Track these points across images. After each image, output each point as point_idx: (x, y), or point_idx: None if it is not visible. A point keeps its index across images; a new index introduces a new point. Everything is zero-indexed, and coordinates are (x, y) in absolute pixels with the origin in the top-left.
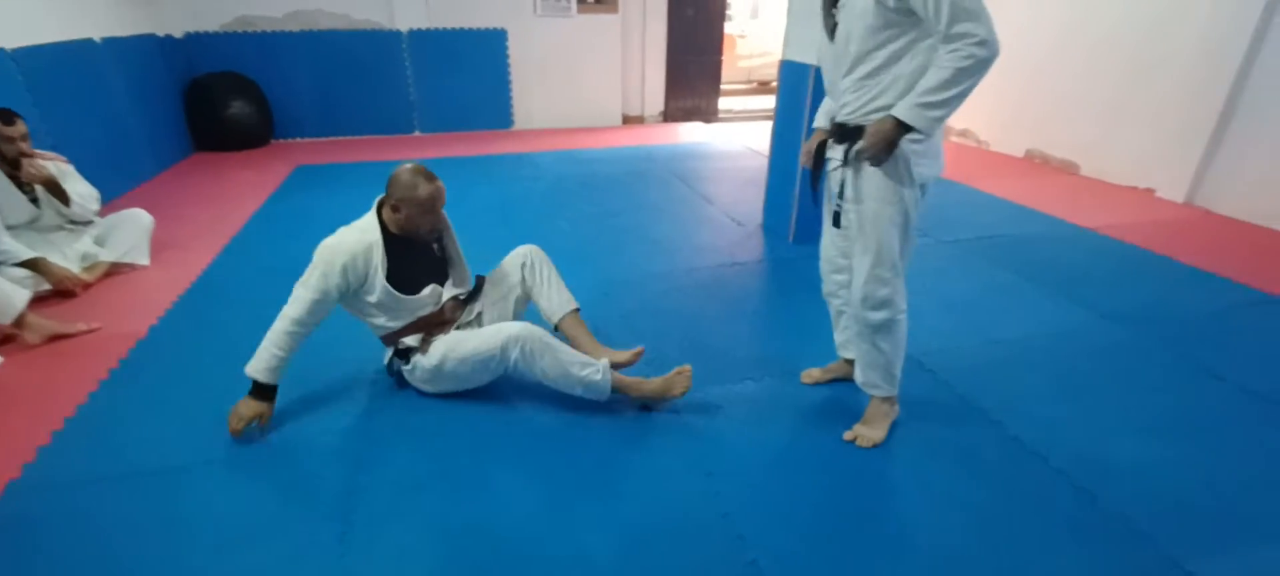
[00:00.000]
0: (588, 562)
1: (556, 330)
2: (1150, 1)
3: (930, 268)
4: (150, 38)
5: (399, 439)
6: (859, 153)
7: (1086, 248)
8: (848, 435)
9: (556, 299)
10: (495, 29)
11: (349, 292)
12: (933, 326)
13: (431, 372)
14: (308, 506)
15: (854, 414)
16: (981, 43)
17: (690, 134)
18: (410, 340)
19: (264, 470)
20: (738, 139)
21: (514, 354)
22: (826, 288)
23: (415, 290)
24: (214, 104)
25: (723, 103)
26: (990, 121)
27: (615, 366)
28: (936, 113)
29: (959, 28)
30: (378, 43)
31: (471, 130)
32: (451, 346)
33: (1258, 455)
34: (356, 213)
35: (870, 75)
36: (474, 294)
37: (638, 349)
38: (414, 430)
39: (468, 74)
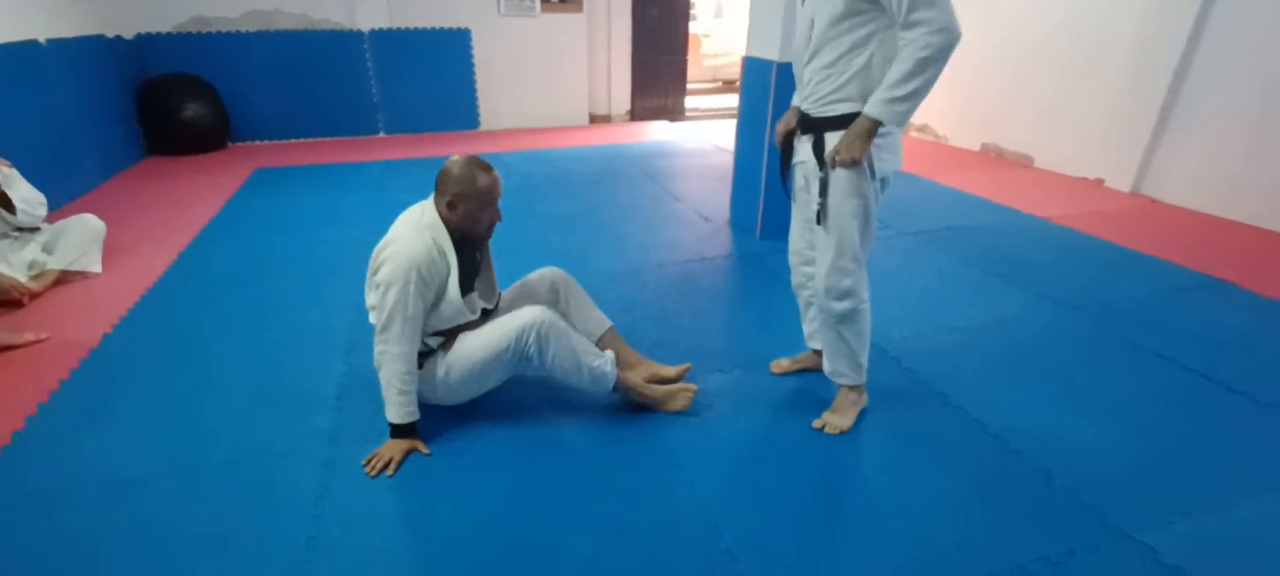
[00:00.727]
0: (564, 558)
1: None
2: (1092, 1)
3: (892, 259)
4: (99, 39)
5: (370, 439)
6: (837, 160)
7: (1039, 237)
8: (816, 423)
9: (593, 320)
10: (459, 29)
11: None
12: (895, 315)
13: (442, 381)
14: (274, 510)
15: (823, 402)
16: (939, 29)
17: (657, 132)
18: (431, 341)
19: (227, 477)
20: (704, 137)
21: (529, 340)
22: (795, 279)
23: (466, 294)
24: (167, 106)
25: (689, 101)
26: (948, 117)
27: (662, 381)
28: (904, 106)
29: (917, 15)
30: (338, 43)
31: (437, 131)
32: (455, 351)
33: (1197, 428)
34: (320, 214)
35: (833, 63)
36: (495, 308)
37: (685, 365)
38: (385, 430)
39: (432, 74)
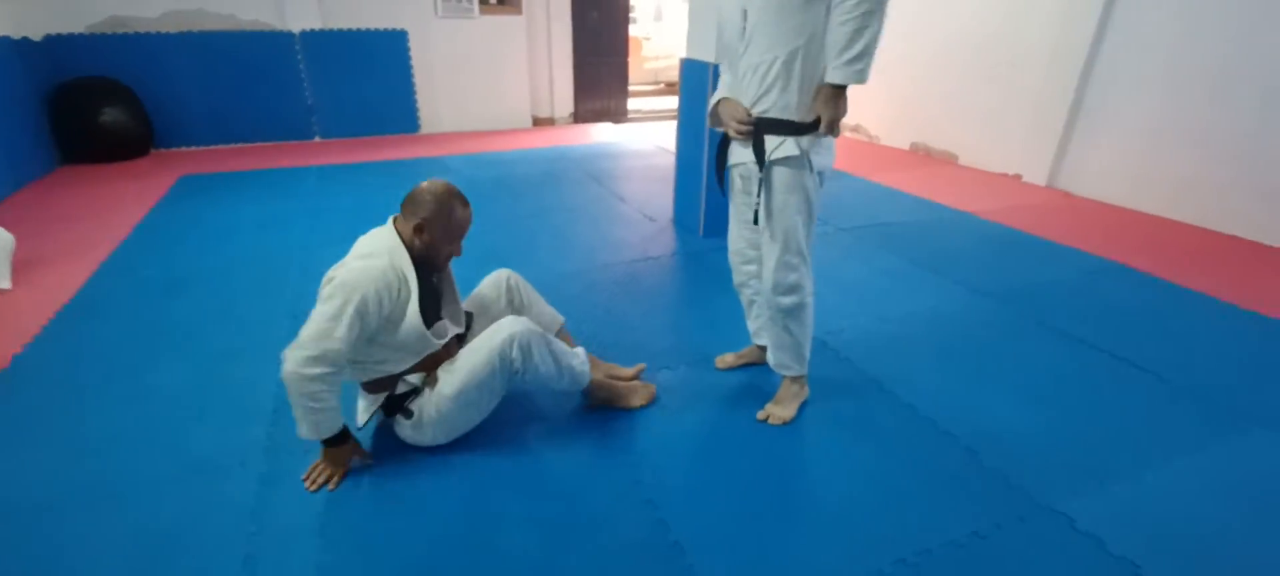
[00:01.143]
0: (513, 562)
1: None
2: (1006, 8)
3: (829, 254)
4: (4, 40)
5: (310, 450)
6: (829, 127)
7: (965, 230)
8: (760, 415)
9: (546, 316)
10: (395, 30)
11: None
12: (833, 308)
13: (428, 422)
14: (208, 529)
15: (766, 395)
16: None
17: (601, 134)
18: (413, 379)
19: (156, 496)
20: (647, 138)
21: (513, 354)
22: (737, 278)
23: (430, 325)
24: (83, 112)
25: (631, 103)
26: (879, 118)
27: (619, 380)
28: (861, 63)
29: None
30: (268, 44)
31: (376, 134)
32: (440, 388)
33: (1110, 405)
34: (253, 221)
35: (770, 63)
36: (467, 330)
37: (639, 366)
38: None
39: (369, 77)
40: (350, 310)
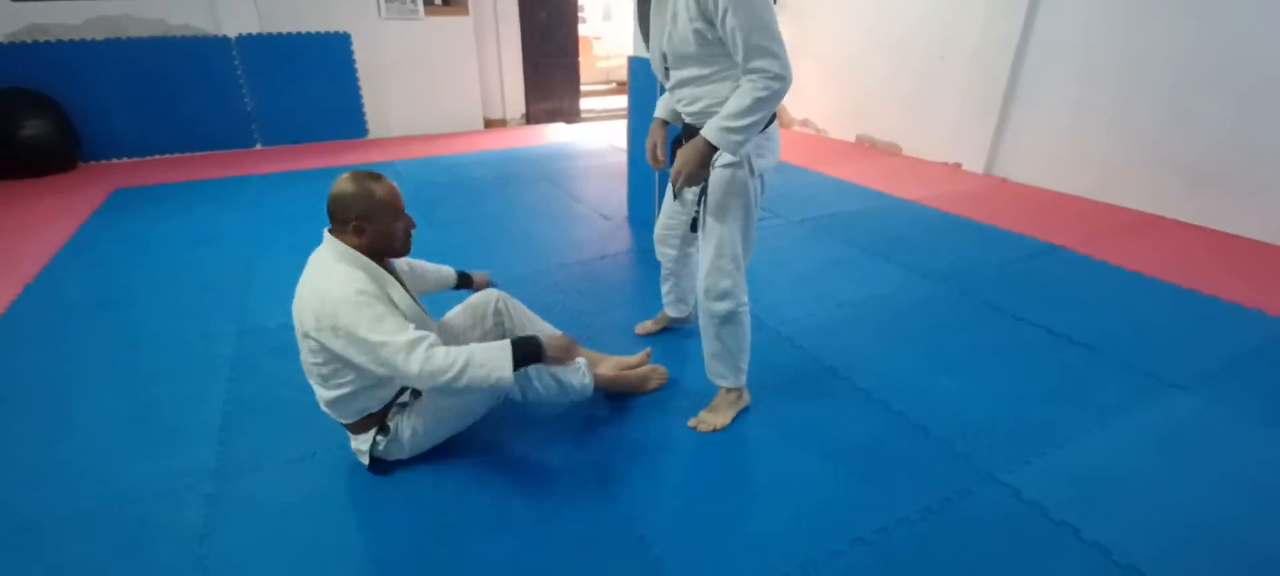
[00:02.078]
0: (478, 566)
1: None
2: (940, 3)
3: (781, 244)
4: None
5: (260, 468)
6: (678, 186)
7: (907, 217)
8: (691, 421)
9: (546, 332)
10: (337, 33)
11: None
12: (786, 297)
13: (405, 440)
14: (152, 558)
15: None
16: (776, 77)
17: (554, 135)
18: (405, 398)
19: (94, 528)
20: (601, 137)
21: (510, 392)
22: (659, 255)
23: None
24: (2, 125)
25: (584, 103)
26: (825, 111)
27: (629, 370)
28: (738, 137)
29: (755, 64)
30: (202, 50)
31: (321, 140)
32: (424, 403)
33: (1046, 377)
34: (192, 234)
35: (687, 83)
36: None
37: (645, 351)
38: (279, 456)
39: (311, 81)
40: (378, 307)
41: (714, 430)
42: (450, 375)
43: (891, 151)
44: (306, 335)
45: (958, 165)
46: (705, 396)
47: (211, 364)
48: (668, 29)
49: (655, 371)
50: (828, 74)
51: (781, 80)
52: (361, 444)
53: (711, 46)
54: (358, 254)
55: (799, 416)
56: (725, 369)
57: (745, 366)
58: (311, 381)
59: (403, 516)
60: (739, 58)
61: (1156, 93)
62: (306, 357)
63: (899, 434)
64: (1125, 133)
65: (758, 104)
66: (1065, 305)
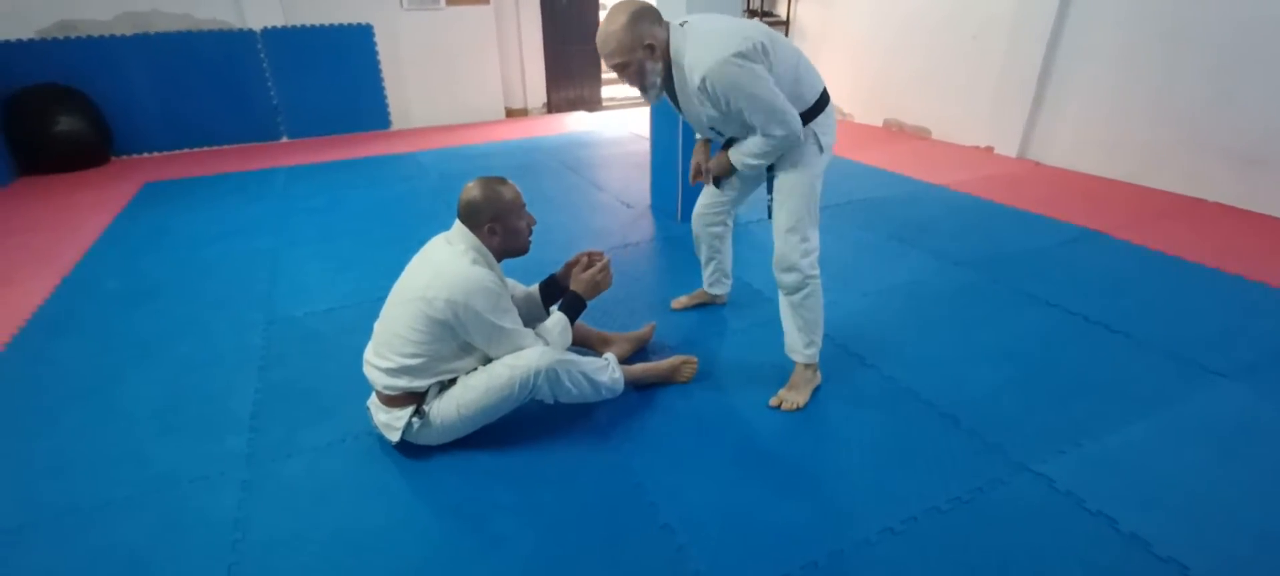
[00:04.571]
0: (505, 552)
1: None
2: None
3: None
4: None
5: (291, 454)
6: (707, 173)
7: (937, 202)
8: (773, 400)
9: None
10: (360, 24)
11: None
12: None
13: (436, 428)
14: (189, 540)
15: (746, 377)
16: (785, 137)
17: (576, 123)
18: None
19: (134, 511)
20: (622, 125)
21: (537, 384)
22: (696, 230)
23: None
24: (37, 121)
25: (605, 91)
26: (853, 96)
27: (641, 344)
28: (754, 163)
29: (770, 131)
30: (228, 44)
31: (346, 133)
32: (458, 391)
33: (1082, 366)
34: (222, 227)
35: (730, 139)
36: None
37: (650, 324)
38: (308, 443)
39: (335, 73)
40: (505, 301)
41: (796, 408)
42: (551, 350)
43: (920, 135)
44: (423, 299)
45: (990, 149)
46: (734, 378)
47: (242, 353)
48: (695, 111)
49: (687, 362)
50: (854, 57)
51: (790, 138)
52: (394, 420)
53: (735, 117)
54: (489, 253)
55: (826, 405)
56: (799, 342)
57: (819, 342)
58: (388, 342)
59: (430, 504)
60: (757, 126)
61: (1202, 70)
62: (405, 318)
63: (929, 423)
64: (1168, 113)
65: (772, 150)
66: (1102, 292)
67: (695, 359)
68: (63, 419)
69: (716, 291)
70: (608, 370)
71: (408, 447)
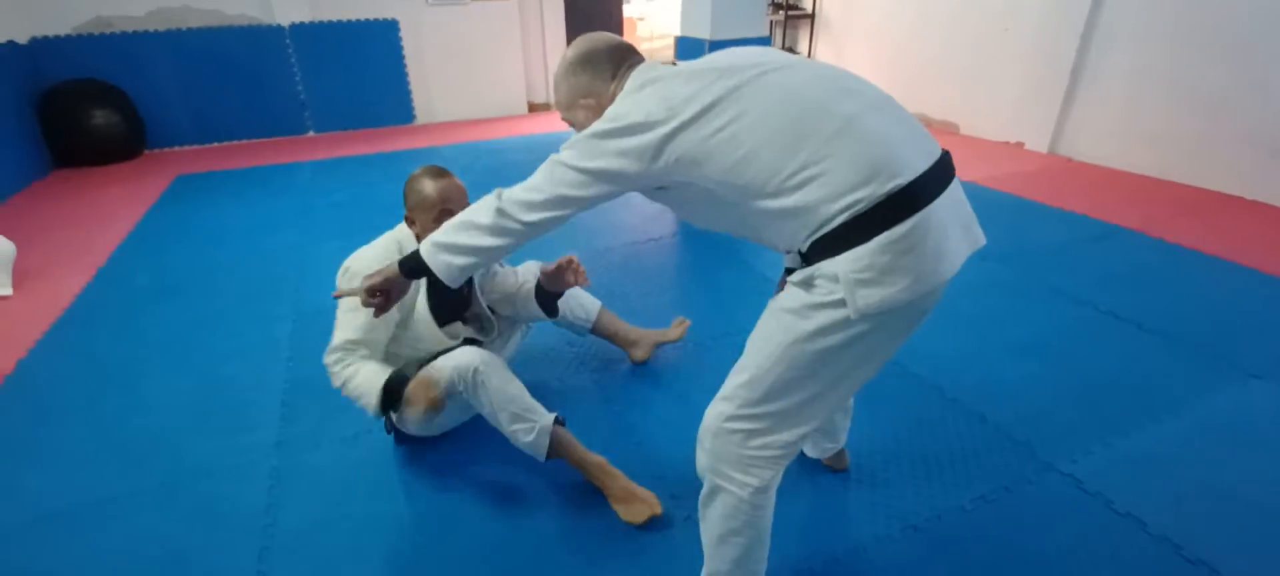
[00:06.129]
0: (532, 541)
1: (594, 331)
2: None
3: None
4: None
5: (319, 445)
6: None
7: (968, 198)
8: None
9: (588, 303)
10: (386, 20)
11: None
12: None
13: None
14: (220, 528)
15: None
16: (491, 228)
17: None
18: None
19: (167, 499)
20: None
21: (465, 381)
22: None
23: (444, 324)
24: (73, 115)
25: None
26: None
27: (666, 342)
28: (459, 262)
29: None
30: (257, 39)
31: (371, 127)
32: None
33: (1112, 364)
34: (250, 221)
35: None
36: (492, 337)
37: (684, 321)
38: (336, 434)
39: (361, 68)
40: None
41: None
42: (337, 382)
43: (948, 130)
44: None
45: (1020, 144)
46: None
47: (271, 346)
48: None
49: (643, 503)
50: (879, 50)
51: (503, 240)
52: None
53: (692, 191)
54: (403, 241)
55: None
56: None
57: None
58: None
59: (455, 495)
60: None
61: (1242, 63)
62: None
63: (955, 420)
64: (1205, 107)
65: (486, 246)
66: (1133, 289)
67: (656, 508)
68: (100, 408)
69: (812, 454)
70: (527, 431)
71: (433, 438)
